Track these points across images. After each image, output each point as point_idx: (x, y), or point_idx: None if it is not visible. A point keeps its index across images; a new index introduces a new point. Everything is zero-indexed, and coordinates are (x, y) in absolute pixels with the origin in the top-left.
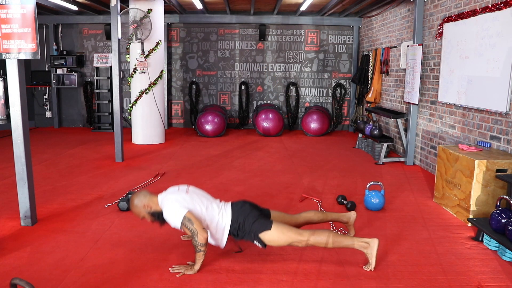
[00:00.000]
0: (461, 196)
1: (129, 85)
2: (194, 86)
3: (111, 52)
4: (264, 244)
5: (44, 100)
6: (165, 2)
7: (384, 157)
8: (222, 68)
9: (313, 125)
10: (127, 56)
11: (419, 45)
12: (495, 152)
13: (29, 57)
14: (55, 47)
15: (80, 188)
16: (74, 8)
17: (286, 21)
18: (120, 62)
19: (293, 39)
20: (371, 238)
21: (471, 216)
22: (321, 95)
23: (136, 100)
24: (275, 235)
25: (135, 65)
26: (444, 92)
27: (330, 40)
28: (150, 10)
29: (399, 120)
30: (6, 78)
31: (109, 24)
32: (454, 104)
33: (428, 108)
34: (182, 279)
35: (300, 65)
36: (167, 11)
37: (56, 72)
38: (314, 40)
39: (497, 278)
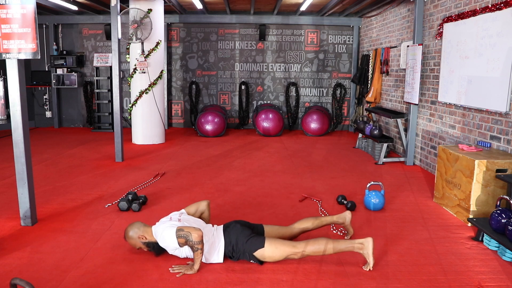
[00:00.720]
0: (461, 196)
1: (129, 85)
2: (194, 86)
3: (111, 52)
4: (260, 262)
5: (44, 100)
6: (165, 2)
7: (384, 157)
8: (222, 68)
9: (313, 125)
10: (127, 56)
11: (419, 45)
12: (495, 152)
13: (29, 57)
14: (55, 47)
15: (80, 188)
16: (74, 8)
17: (286, 21)
18: (120, 62)
19: (293, 39)
20: (365, 238)
21: (471, 216)
22: (321, 95)
23: (136, 100)
24: (269, 252)
25: (135, 65)
26: (444, 92)
27: (330, 40)
28: (150, 10)
29: (399, 120)
30: (6, 78)
31: (109, 24)
32: (454, 104)
33: (428, 108)
34: (182, 279)
35: (300, 65)
36: (167, 11)
37: (56, 72)
38: (314, 40)
39: (497, 278)
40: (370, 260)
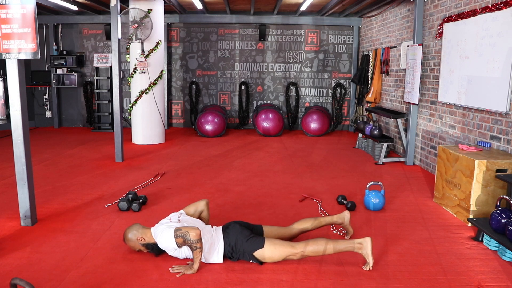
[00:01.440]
0: (461, 196)
1: (129, 85)
2: (194, 86)
3: (111, 52)
4: (260, 262)
5: (44, 100)
6: (165, 2)
7: (384, 157)
8: (222, 68)
9: (313, 125)
10: (127, 56)
11: (419, 45)
12: (495, 152)
13: (29, 57)
14: (55, 47)
15: (80, 188)
16: (74, 8)
17: (286, 21)
18: (120, 62)
19: (293, 39)
20: (363, 238)
21: (471, 216)
22: (321, 95)
23: (136, 100)
24: (269, 252)
25: (135, 65)
26: (444, 92)
27: (330, 40)
28: (150, 10)
29: (399, 120)
30: (6, 78)
31: (109, 24)
32: (454, 104)
33: (428, 108)
34: (182, 279)
35: (300, 65)
36: (167, 11)
37: (56, 72)
38: (314, 40)
39: (497, 278)
40: (370, 260)
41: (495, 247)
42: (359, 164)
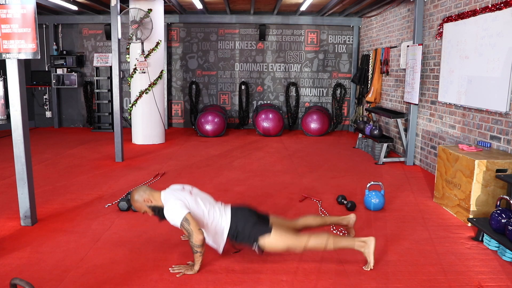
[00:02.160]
0: (461, 196)
1: (129, 85)
2: (194, 86)
3: (111, 52)
4: (261, 250)
5: (44, 100)
6: (165, 2)
7: (384, 157)
8: (222, 68)
9: (313, 125)
10: (127, 56)
11: (419, 45)
12: (495, 152)
13: (29, 57)
14: (55, 47)
15: (80, 188)
16: (74, 8)
17: (286, 21)
18: (120, 62)
19: (293, 39)
20: (368, 237)
21: (471, 216)
22: (321, 95)
23: (136, 100)
24: (274, 240)
25: (135, 65)
26: (444, 92)
27: (330, 40)
28: (150, 10)
29: (399, 120)
30: (6, 78)
31: (109, 24)
32: (454, 104)
33: (428, 108)
34: (182, 279)
35: (300, 65)
36: (167, 11)
37: (56, 72)
38: (314, 40)
39: (497, 278)
40: (371, 259)
41: (495, 247)
42: (359, 164)
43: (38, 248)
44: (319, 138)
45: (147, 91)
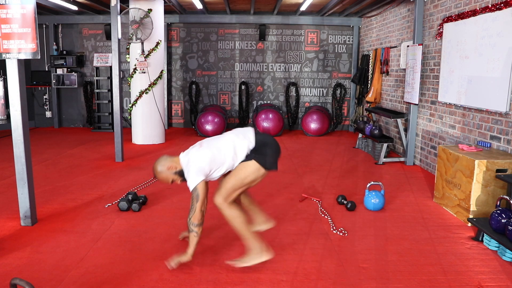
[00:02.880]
0: (461, 196)
1: (129, 85)
2: (194, 86)
3: (111, 52)
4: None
5: (44, 100)
6: (165, 2)
7: (384, 157)
8: (222, 68)
9: (313, 125)
10: (127, 56)
11: (419, 45)
12: (495, 152)
13: (29, 57)
14: (55, 47)
15: (80, 188)
16: (74, 8)
17: (286, 21)
18: (120, 62)
19: (293, 39)
20: (271, 253)
21: (471, 216)
22: (321, 95)
23: (136, 100)
24: (244, 167)
25: (135, 65)
26: (444, 92)
27: (330, 40)
28: (150, 10)
29: (399, 120)
30: (6, 78)
31: (109, 24)
32: (454, 104)
33: (428, 108)
34: (182, 279)
35: (300, 65)
36: (167, 11)
37: (56, 72)
38: (314, 40)
39: (497, 278)
40: (245, 263)
41: (495, 247)
42: (359, 164)
43: (38, 248)
44: (319, 138)
45: (147, 91)
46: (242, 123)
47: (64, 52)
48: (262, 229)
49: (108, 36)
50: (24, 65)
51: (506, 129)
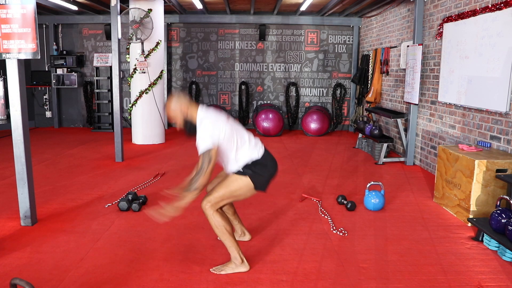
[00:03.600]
0: (461, 196)
1: (129, 85)
2: (194, 86)
3: (111, 52)
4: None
5: (44, 100)
6: (165, 2)
7: (384, 157)
8: (222, 68)
9: (313, 125)
10: (127, 56)
11: (419, 45)
12: (495, 152)
13: (29, 57)
14: (55, 47)
15: (80, 188)
16: (74, 8)
17: (286, 21)
18: (120, 62)
19: (293, 39)
20: (247, 265)
21: (471, 216)
22: (321, 95)
23: (136, 100)
24: (236, 185)
25: (135, 65)
26: (444, 92)
27: (330, 40)
28: (150, 10)
29: (399, 120)
30: (6, 78)
31: (109, 24)
32: (454, 104)
33: (428, 108)
34: (182, 279)
35: (300, 65)
36: (167, 11)
37: (56, 72)
38: (314, 40)
39: (497, 278)
40: (223, 271)
41: (495, 247)
42: (359, 164)
43: (38, 248)
44: (319, 138)
45: (147, 91)
46: (242, 123)
47: (64, 52)
48: (240, 240)
49: (108, 36)
50: (24, 65)
51: (506, 129)
